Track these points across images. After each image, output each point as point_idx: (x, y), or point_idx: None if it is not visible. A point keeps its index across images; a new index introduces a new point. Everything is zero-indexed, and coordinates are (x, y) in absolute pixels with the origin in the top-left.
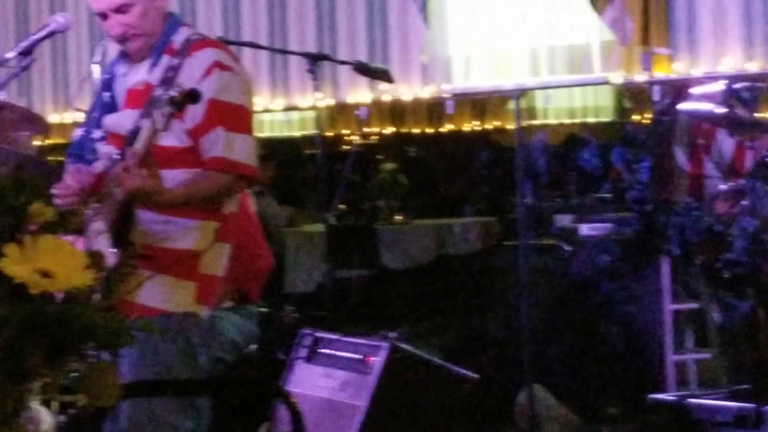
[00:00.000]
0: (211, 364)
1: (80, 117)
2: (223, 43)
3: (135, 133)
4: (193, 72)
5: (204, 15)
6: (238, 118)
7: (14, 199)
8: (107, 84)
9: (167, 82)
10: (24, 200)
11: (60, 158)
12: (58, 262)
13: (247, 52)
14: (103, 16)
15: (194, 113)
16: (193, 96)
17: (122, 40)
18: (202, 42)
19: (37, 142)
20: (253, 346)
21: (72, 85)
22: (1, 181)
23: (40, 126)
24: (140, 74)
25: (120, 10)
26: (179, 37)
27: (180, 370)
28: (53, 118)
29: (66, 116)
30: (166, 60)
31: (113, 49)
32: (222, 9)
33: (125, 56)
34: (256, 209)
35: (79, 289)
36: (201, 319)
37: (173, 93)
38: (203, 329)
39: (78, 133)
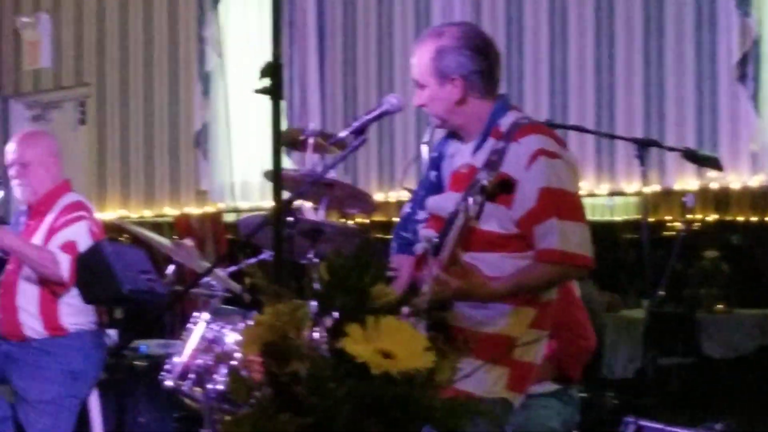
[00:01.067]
0: None
1: (406, 196)
2: (549, 126)
3: (454, 216)
4: (519, 158)
5: (531, 98)
6: (570, 205)
7: (358, 279)
8: (435, 163)
9: (491, 166)
10: (367, 281)
11: (382, 236)
12: (399, 344)
13: (573, 135)
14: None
15: (524, 201)
16: (505, 186)
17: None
18: (529, 127)
19: (363, 220)
20: None
21: (397, 165)
22: (346, 262)
23: (368, 204)
24: (465, 156)
25: (418, 84)
26: (506, 120)
27: None
28: (378, 196)
29: (390, 195)
30: (491, 143)
31: (440, 130)
32: (549, 92)
33: (454, 135)
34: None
35: (419, 370)
36: (512, 406)
37: (485, 182)
38: (514, 416)
39: (405, 210)
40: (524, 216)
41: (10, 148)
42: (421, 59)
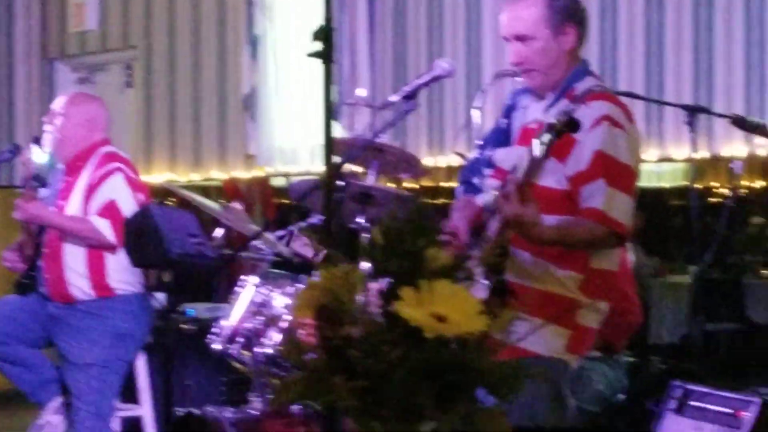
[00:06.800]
0: (577, 415)
1: (455, 160)
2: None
3: (517, 168)
4: (583, 120)
5: None
6: (621, 175)
7: (412, 243)
8: (507, 111)
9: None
10: (421, 245)
11: (431, 201)
12: (452, 307)
13: (622, 101)
14: (508, 40)
15: (578, 160)
16: (572, 125)
17: (518, 70)
18: (602, 94)
19: (412, 185)
20: (621, 396)
21: (447, 130)
22: (400, 226)
23: (417, 169)
24: (537, 113)
25: (520, 39)
26: (582, 85)
27: (546, 416)
28: (427, 161)
29: (439, 160)
30: (564, 104)
31: (490, 94)
32: (599, 57)
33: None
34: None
35: (473, 334)
36: (570, 367)
37: (553, 120)
38: (572, 378)
39: (474, 154)
40: (575, 175)
41: (57, 103)
42: (528, 10)
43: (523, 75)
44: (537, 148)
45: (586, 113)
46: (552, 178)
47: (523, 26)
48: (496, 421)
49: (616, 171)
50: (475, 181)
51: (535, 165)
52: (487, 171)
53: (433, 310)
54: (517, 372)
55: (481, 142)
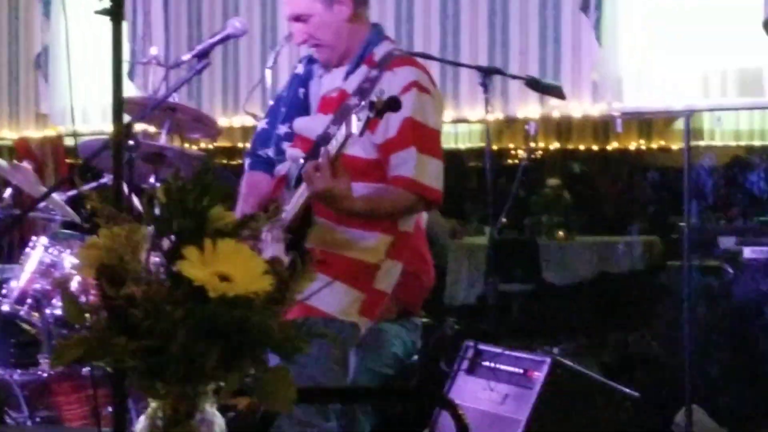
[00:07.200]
0: (370, 377)
1: (250, 121)
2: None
3: (324, 138)
4: (391, 87)
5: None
6: (431, 140)
7: (196, 202)
8: (303, 81)
9: (363, 92)
10: (205, 204)
11: (226, 161)
12: (237, 267)
13: (424, 65)
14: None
15: (387, 128)
16: (393, 104)
17: (309, 47)
18: (404, 59)
19: (207, 145)
20: (415, 357)
21: (242, 89)
22: (184, 185)
23: (211, 129)
24: (336, 81)
25: (299, 19)
26: (381, 50)
27: (332, 376)
28: (222, 121)
29: (234, 120)
30: (364, 70)
31: (284, 55)
32: (395, 19)
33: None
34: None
35: (257, 294)
36: (360, 330)
37: (374, 98)
38: (361, 341)
39: (261, 125)
40: (384, 143)
41: None
42: None
43: (313, 51)
44: (355, 125)
45: (393, 80)
46: (359, 147)
47: (296, 6)
48: (281, 381)
49: (426, 137)
50: (264, 153)
51: (348, 139)
52: (286, 144)
53: (217, 270)
54: (302, 332)
55: (267, 118)
